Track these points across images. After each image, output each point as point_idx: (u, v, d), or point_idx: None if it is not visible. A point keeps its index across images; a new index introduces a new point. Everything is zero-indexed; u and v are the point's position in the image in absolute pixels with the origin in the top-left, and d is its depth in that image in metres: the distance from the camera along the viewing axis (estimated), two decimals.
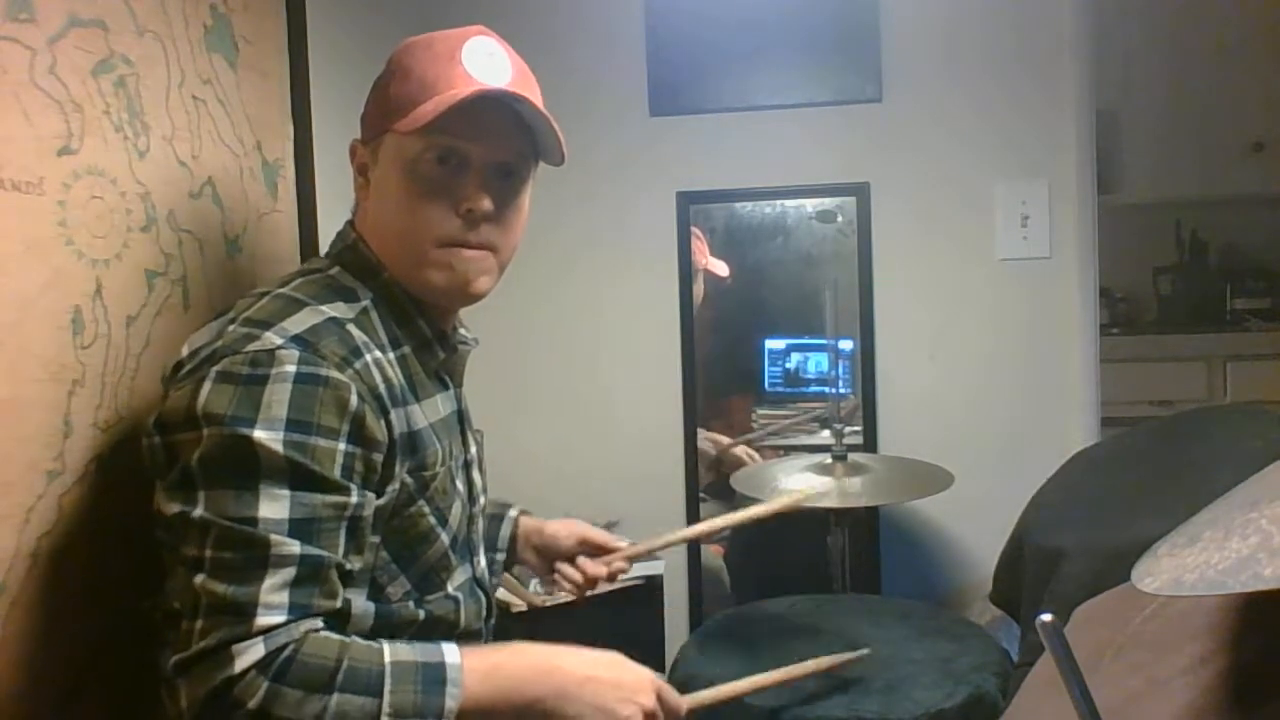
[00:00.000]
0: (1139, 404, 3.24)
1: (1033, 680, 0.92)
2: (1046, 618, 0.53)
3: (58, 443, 1.00)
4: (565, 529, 1.39)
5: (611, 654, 1.06)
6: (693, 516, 2.26)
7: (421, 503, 1.07)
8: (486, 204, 1.08)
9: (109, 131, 1.08)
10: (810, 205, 2.25)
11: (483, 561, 1.24)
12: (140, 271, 1.13)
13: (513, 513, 1.41)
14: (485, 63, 1.09)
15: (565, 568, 1.36)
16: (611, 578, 1.37)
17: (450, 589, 1.12)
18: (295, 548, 0.92)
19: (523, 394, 2.29)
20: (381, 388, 1.02)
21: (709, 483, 2.30)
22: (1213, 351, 3.62)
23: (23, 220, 0.95)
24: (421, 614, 1.08)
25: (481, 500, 1.27)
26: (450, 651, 0.97)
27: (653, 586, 2.04)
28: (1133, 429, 1.61)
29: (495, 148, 1.10)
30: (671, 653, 1.60)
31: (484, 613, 1.21)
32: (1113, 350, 2.80)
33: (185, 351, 1.03)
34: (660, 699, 1.05)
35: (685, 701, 1.11)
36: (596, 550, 1.37)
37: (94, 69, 1.05)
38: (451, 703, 0.94)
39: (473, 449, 1.25)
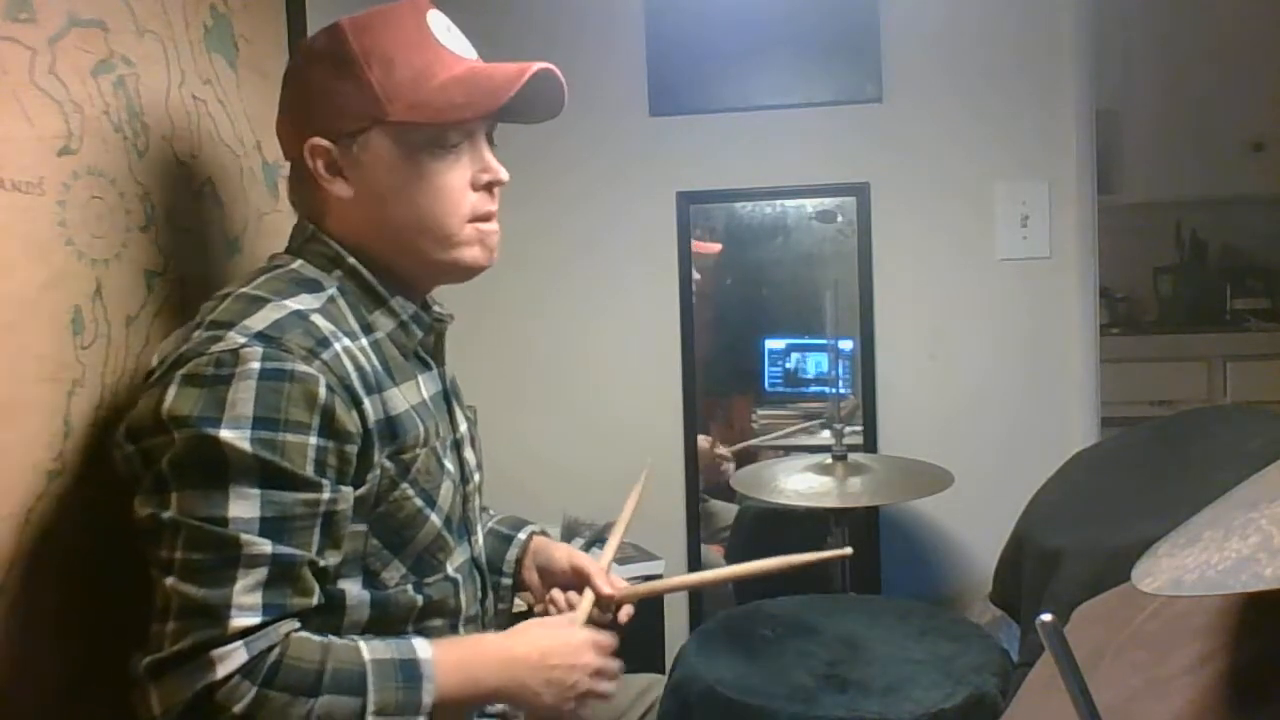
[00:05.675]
0: (1139, 404, 3.23)
1: (1033, 680, 0.92)
2: (1046, 618, 0.53)
3: (58, 443, 1.00)
4: (563, 553, 1.33)
5: (551, 621, 1.14)
6: (693, 516, 2.26)
7: (405, 486, 1.05)
8: (504, 173, 1.10)
9: (109, 131, 1.08)
10: (810, 205, 2.25)
11: (480, 540, 1.23)
12: (140, 271, 1.13)
13: (522, 536, 1.35)
14: (455, 38, 1.10)
15: (557, 595, 1.31)
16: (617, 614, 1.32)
17: (450, 570, 1.11)
18: (267, 547, 0.91)
19: (522, 393, 2.28)
20: (353, 376, 1.00)
21: (709, 483, 2.30)
22: (1213, 351, 3.62)
23: (23, 220, 0.95)
24: (420, 599, 1.07)
25: (476, 478, 1.24)
26: (422, 646, 0.99)
27: None
28: (1133, 429, 1.60)
29: (491, 118, 1.10)
30: (671, 653, 1.59)
31: (480, 594, 1.20)
32: (1113, 350, 2.80)
33: (155, 360, 1.02)
34: (601, 651, 1.10)
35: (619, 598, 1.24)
36: (583, 581, 1.30)
37: (94, 69, 1.05)
38: (429, 698, 0.95)
39: (463, 426, 1.22)
